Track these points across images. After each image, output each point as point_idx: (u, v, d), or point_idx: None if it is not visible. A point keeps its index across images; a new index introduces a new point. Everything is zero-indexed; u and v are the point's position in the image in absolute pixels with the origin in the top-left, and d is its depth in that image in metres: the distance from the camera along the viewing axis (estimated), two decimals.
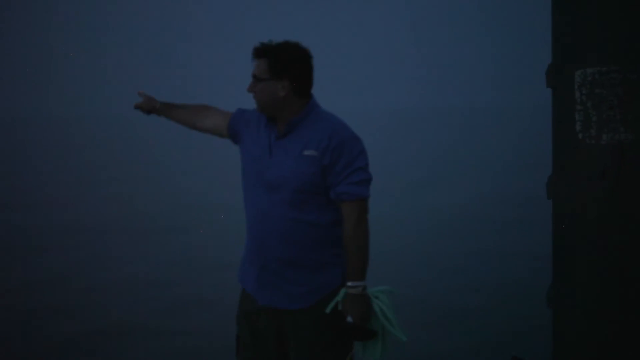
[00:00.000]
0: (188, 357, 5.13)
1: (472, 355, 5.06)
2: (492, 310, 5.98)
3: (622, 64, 2.38)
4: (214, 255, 8.22)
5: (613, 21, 2.39)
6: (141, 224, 10.82)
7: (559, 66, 2.52)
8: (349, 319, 2.67)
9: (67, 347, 5.27)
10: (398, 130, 38.30)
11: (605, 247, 2.43)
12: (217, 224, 10.30)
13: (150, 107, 3.11)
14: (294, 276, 2.74)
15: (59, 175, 18.65)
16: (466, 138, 30.59)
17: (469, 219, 10.56)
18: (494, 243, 8.73)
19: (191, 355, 5.13)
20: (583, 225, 2.46)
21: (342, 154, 2.67)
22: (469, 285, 6.81)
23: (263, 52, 2.72)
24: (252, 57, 2.74)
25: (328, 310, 2.71)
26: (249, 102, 2.83)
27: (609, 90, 2.39)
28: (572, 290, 2.51)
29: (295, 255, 2.73)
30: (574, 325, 2.52)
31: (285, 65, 2.71)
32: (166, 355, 5.14)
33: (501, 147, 24.62)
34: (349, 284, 2.68)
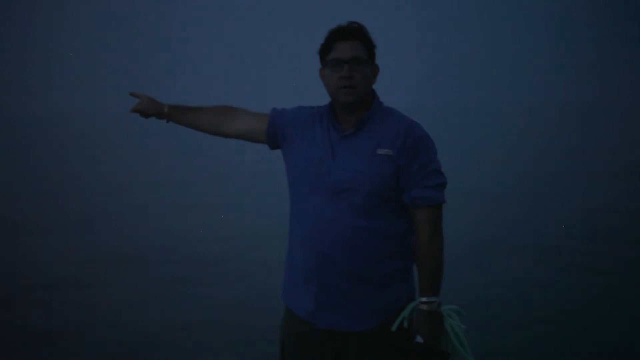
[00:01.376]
0: None
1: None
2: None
3: None
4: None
5: None
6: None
7: None
8: (419, 338, 2.38)
9: None
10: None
11: None
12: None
13: (155, 111, 2.66)
14: (359, 294, 2.42)
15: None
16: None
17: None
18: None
19: None
20: None
21: (418, 153, 2.39)
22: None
23: (358, 32, 2.42)
24: (336, 38, 2.41)
25: (394, 327, 2.41)
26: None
27: None
28: None
29: (362, 270, 2.41)
30: None
31: (374, 50, 2.44)
32: None
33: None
34: (423, 299, 2.38)
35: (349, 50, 2.39)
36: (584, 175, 14.52)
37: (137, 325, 5.38)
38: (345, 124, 2.45)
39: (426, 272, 2.39)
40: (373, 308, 2.42)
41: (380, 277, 2.42)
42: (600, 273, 6.70)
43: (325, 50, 2.44)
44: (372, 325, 2.43)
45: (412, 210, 2.41)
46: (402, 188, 2.39)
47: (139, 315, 5.66)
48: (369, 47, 2.44)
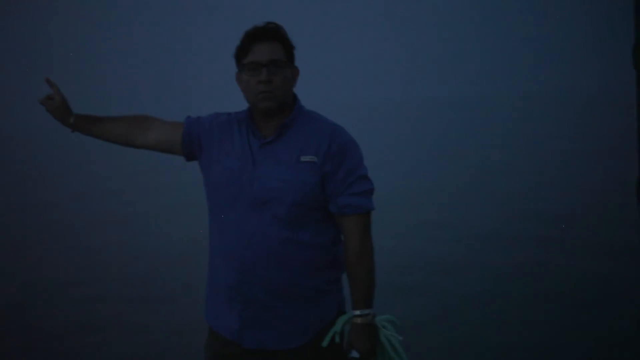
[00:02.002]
0: None
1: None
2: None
3: None
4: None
5: None
6: None
7: None
8: (354, 353, 2.27)
9: None
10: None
11: None
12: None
13: (59, 116, 2.46)
14: (287, 310, 2.28)
15: None
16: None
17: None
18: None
19: None
20: None
21: (343, 160, 2.26)
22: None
23: (276, 33, 2.28)
24: (253, 40, 2.26)
25: (325, 343, 2.28)
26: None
27: None
28: None
29: (289, 284, 2.27)
30: None
31: (293, 51, 2.31)
32: None
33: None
34: (357, 312, 2.26)
35: (266, 53, 2.24)
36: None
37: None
38: (266, 130, 2.31)
39: (358, 284, 2.27)
40: (301, 324, 2.30)
41: (308, 290, 2.29)
42: None
43: (241, 53, 2.29)
44: (302, 342, 2.30)
45: (340, 218, 2.29)
46: (328, 196, 2.27)
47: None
48: (288, 48, 2.30)
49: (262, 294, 2.27)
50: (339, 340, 2.29)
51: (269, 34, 2.27)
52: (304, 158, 2.25)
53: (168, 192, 13.09)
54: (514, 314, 5.32)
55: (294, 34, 2.38)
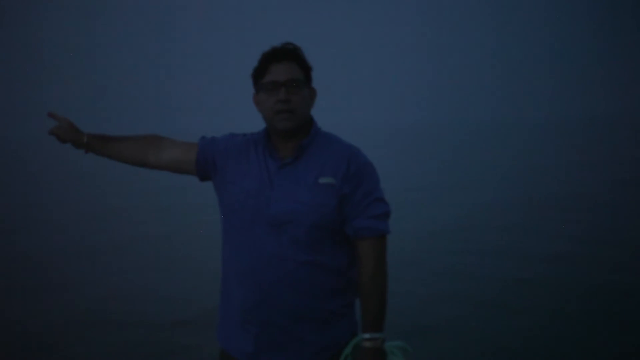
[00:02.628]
0: None
1: None
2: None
3: None
4: None
5: None
6: None
7: None
8: None
9: None
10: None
11: None
12: None
13: (71, 138, 2.45)
14: (302, 332, 2.25)
15: None
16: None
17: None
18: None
19: None
20: None
21: (361, 181, 2.25)
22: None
23: (294, 54, 2.27)
24: (271, 60, 2.26)
25: None
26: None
27: None
28: None
29: (306, 307, 2.24)
30: None
31: (310, 72, 2.31)
32: None
33: None
34: (367, 336, 2.24)
35: (285, 73, 2.24)
36: None
37: None
38: (283, 151, 2.29)
39: (369, 307, 2.25)
40: (316, 346, 2.27)
41: (324, 313, 2.27)
42: None
43: (259, 74, 2.28)
44: None
45: (356, 241, 2.27)
46: (344, 218, 2.25)
47: None
48: (305, 69, 2.30)
49: (279, 317, 2.24)
50: None
51: (287, 55, 2.26)
52: (322, 180, 2.23)
53: None
54: None
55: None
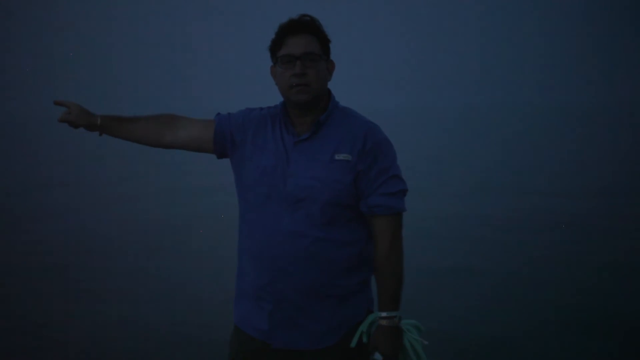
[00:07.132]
0: None
1: None
2: None
3: None
4: None
5: None
6: None
7: None
8: (377, 355, 2.24)
9: None
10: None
11: None
12: None
13: (85, 121, 2.36)
14: (317, 309, 2.24)
15: None
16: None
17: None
18: None
19: None
20: None
21: (377, 158, 2.22)
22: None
23: (311, 26, 2.22)
24: (287, 32, 2.21)
25: (353, 343, 2.25)
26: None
27: None
28: None
29: (322, 283, 2.22)
30: None
31: (329, 44, 2.25)
32: None
33: None
34: (383, 314, 2.23)
35: (301, 46, 2.19)
36: None
37: None
38: (300, 126, 2.26)
39: (386, 285, 2.23)
40: (332, 324, 2.26)
41: (339, 290, 2.25)
42: None
43: (275, 46, 2.24)
44: (331, 342, 2.26)
45: (370, 219, 2.24)
46: (359, 195, 2.22)
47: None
48: (323, 41, 2.25)
49: (293, 294, 2.22)
50: (366, 340, 2.26)
51: (304, 27, 2.22)
52: (338, 156, 2.20)
53: None
54: None
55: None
